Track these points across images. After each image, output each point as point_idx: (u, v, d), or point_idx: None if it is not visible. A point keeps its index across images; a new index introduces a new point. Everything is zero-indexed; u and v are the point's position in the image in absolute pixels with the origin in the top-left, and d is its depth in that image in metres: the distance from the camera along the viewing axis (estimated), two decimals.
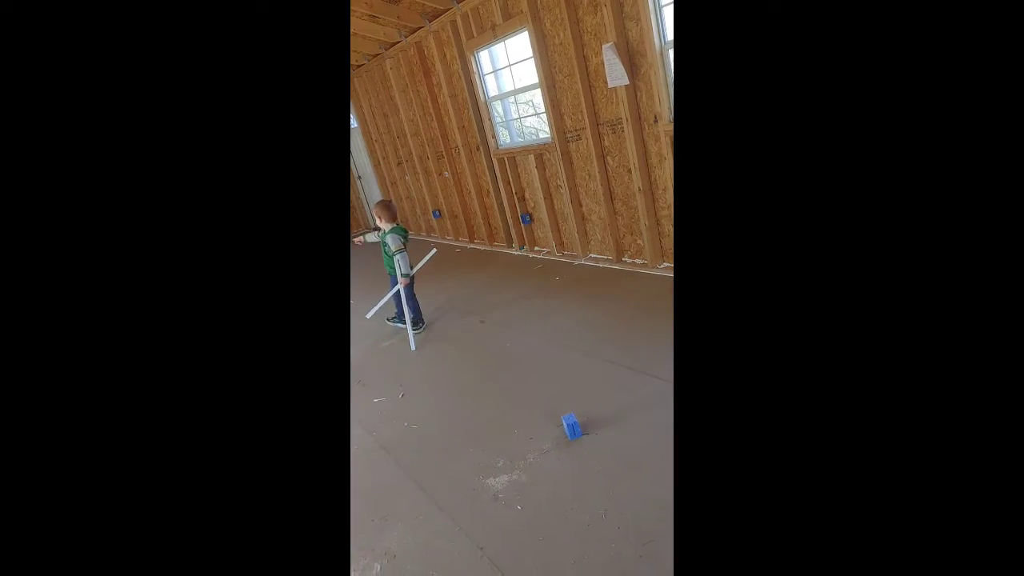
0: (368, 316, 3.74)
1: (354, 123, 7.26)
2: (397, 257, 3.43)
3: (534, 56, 3.82)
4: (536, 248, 4.85)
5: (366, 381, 3.12)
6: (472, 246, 5.65)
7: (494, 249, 5.33)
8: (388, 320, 3.83)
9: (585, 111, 3.65)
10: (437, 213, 6.06)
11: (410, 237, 3.67)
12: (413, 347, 3.42)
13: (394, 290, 3.58)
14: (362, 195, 8.09)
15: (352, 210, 8.21)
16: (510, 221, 4.97)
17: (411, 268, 3.51)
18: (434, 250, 3.66)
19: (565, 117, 3.90)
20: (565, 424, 2.15)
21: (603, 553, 1.58)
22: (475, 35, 4.30)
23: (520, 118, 4.62)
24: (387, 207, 3.51)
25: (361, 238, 3.73)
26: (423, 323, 3.69)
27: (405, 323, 3.72)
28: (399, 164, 6.47)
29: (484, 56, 4.47)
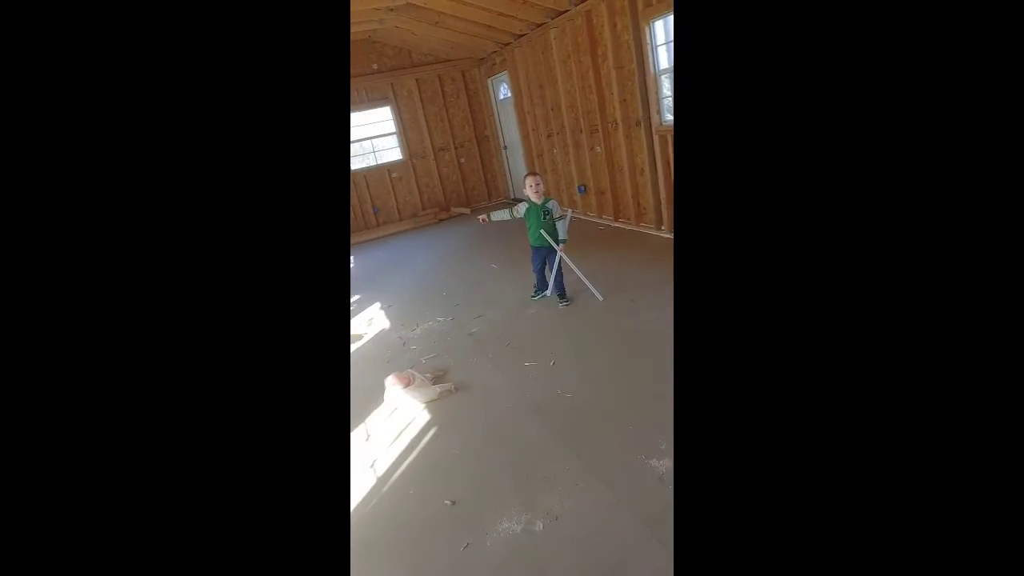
0: (549, 294, 3.78)
1: (508, 93, 7.35)
2: (563, 222, 3.53)
3: None
4: None
5: (515, 344, 3.18)
6: (616, 225, 5.53)
7: (640, 230, 5.16)
8: (532, 297, 3.87)
9: None
10: (582, 188, 5.99)
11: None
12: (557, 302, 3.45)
13: (558, 260, 3.61)
14: (506, 166, 8.23)
15: (492, 180, 8.41)
16: (663, 202, 4.76)
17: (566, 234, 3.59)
18: (570, 211, 3.70)
19: None
20: None
21: None
22: (654, 3, 4.10)
23: None
24: (543, 179, 3.61)
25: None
26: (567, 297, 3.67)
27: (546, 294, 3.75)
28: (548, 136, 6.47)
29: (659, 26, 4.27)
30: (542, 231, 3.56)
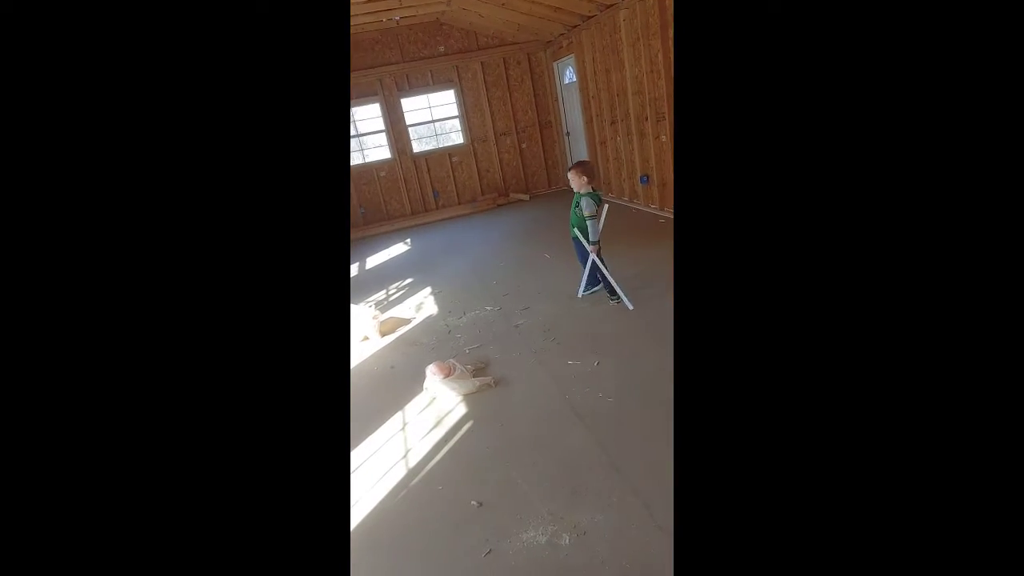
0: (580, 295, 3.67)
1: (573, 77, 7.15)
2: (588, 223, 3.33)
3: None
4: None
5: (560, 340, 3.08)
6: None
7: None
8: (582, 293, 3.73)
9: None
10: (645, 179, 5.75)
11: (603, 201, 3.52)
12: (629, 305, 3.30)
13: (589, 262, 3.46)
14: (568, 153, 8.05)
15: (553, 166, 8.25)
16: None
17: (599, 235, 3.38)
18: (606, 206, 3.47)
19: None
20: None
21: None
22: None
23: None
24: (586, 169, 3.37)
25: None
26: (618, 295, 3.51)
27: (602, 290, 3.60)
28: (612, 123, 6.23)
29: None
30: (574, 226, 3.46)
